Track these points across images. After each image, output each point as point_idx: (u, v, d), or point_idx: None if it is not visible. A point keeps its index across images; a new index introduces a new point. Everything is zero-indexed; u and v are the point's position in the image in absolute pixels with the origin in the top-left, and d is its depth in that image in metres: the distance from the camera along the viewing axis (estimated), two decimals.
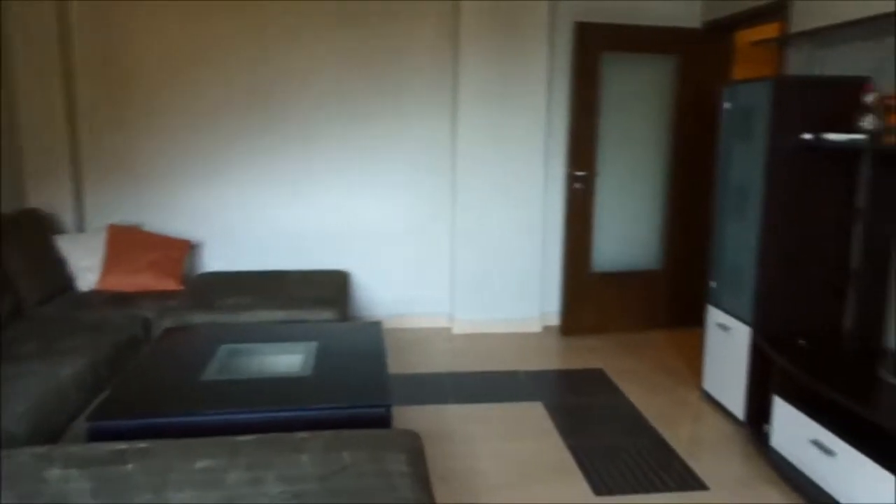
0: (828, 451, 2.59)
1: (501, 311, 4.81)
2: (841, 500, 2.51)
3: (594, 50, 4.54)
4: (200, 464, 1.91)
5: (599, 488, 2.79)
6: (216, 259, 4.66)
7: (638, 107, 4.76)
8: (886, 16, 2.65)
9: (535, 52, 4.52)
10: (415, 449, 2.10)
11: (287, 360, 2.92)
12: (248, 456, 1.95)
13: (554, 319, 4.95)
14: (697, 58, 4.68)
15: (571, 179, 4.66)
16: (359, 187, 4.71)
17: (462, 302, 4.78)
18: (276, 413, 2.40)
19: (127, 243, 4.21)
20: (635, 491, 2.78)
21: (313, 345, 3.07)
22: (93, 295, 3.94)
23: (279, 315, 3.73)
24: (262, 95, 4.53)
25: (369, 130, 4.65)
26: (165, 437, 2.11)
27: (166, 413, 2.40)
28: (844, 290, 3.23)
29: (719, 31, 4.64)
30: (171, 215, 4.59)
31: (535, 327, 4.86)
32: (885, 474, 2.29)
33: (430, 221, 4.81)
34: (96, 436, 2.31)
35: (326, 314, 3.78)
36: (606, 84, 4.64)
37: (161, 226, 4.57)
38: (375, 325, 3.42)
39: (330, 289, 4.14)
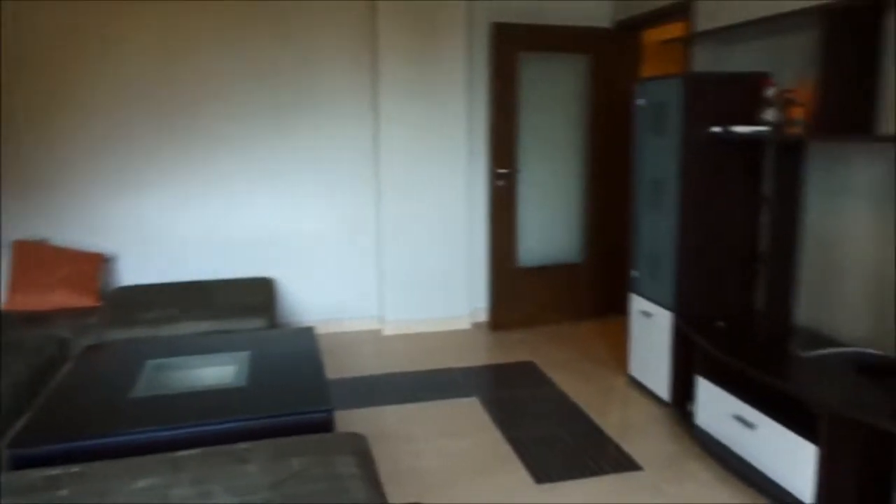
0: (749, 425, 2.75)
1: (431, 310, 4.84)
2: (763, 470, 2.67)
3: (511, 50, 4.64)
4: (141, 483, 1.84)
5: (540, 476, 2.87)
6: (133, 272, 4.47)
7: (556, 104, 4.89)
8: (782, 15, 2.84)
9: (454, 52, 4.57)
10: (362, 451, 2.10)
11: (219, 371, 2.85)
12: (192, 471, 1.90)
13: (483, 316, 5.02)
14: (609, 56, 4.86)
15: (494, 177, 4.75)
16: (281, 192, 4.63)
17: (391, 303, 4.78)
18: (215, 426, 2.33)
19: (34, 260, 3.99)
20: (574, 476, 2.87)
21: (245, 354, 3.01)
22: (1, 316, 3.70)
23: (205, 326, 3.63)
24: (178, 103, 4.37)
25: (289, 134, 4.57)
26: (97, 459, 2.02)
27: (95, 434, 2.30)
28: (755, 273, 3.44)
29: (629, 31, 4.83)
30: (83, 229, 4.36)
31: (465, 324, 4.92)
32: (803, 442, 2.46)
33: (356, 223, 4.78)
34: (19, 463, 2.18)
35: (255, 323, 3.70)
36: (525, 83, 4.75)
37: (72, 240, 4.33)
38: (308, 331, 3.38)
39: (256, 297, 4.06)
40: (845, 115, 2.66)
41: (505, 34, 4.60)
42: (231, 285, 4.28)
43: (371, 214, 4.79)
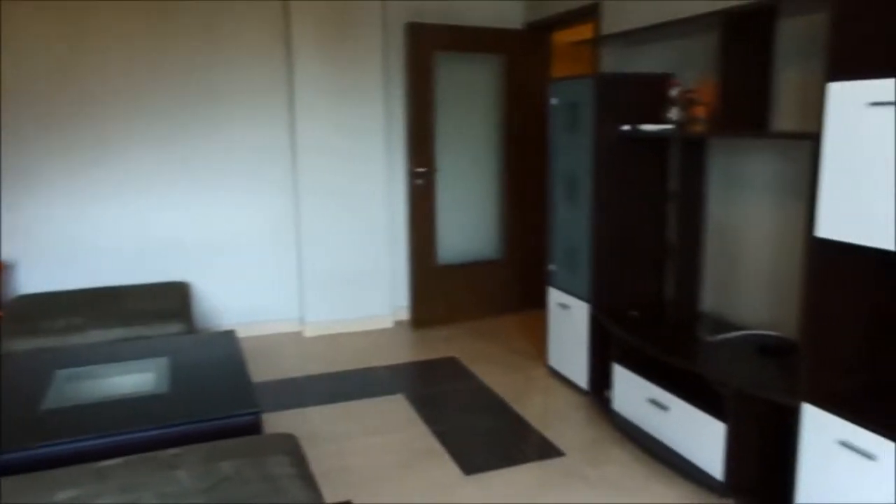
0: (663, 407, 2.91)
1: (353, 310, 4.83)
2: (677, 449, 2.83)
3: (427, 49, 4.69)
4: (63, 495, 1.77)
5: (468, 467, 2.92)
6: (35, 279, 4.23)
7: (472, 103, 4.98)
8: (685, 20, 3.01)
9: (370, 52, 4.57)
10: (295, 450, 2.09)
11: (137, 378, 2.75)
12: (118, 479, 1.83)
13: (405, 314, 5.05)
14: (522, 56, 4.98)
15: (413, 176, 4.78)
16: (196, 194, 4.50)
17: (312, 304, 4.74)
18: (138, 433, 2.26)
19: None
20: (500, 466, 2.95)
21: (164, 360, 2.92)
22: None
23: (117, 333, 3.49)
24: (86, 102, 4.17)
25: (203, 135, 4.45)
26: (10, 475, 1.92)
27: (8, 449, 2.18)
28: (665, 264, 3.62)
29: (540, 32, 4.98)
30: None
31: (387, 323, 4.93)
32: (712, 421, 2.62)
33: (274, 224, 4.70)
34: None
35: (171, 328, 3.59)
36: (441, 82, 4.81)
37: None
38: (229, 334, 3.31)
39: (171, 301, 3.93)
40: (743, 113, 2.84)
41: (420, 34, 4.64)
42: (144, 291, 4.13)
43: (290, 215, 4.72)
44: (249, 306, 4.71)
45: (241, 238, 4.64)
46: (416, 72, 4.68)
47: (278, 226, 4.71)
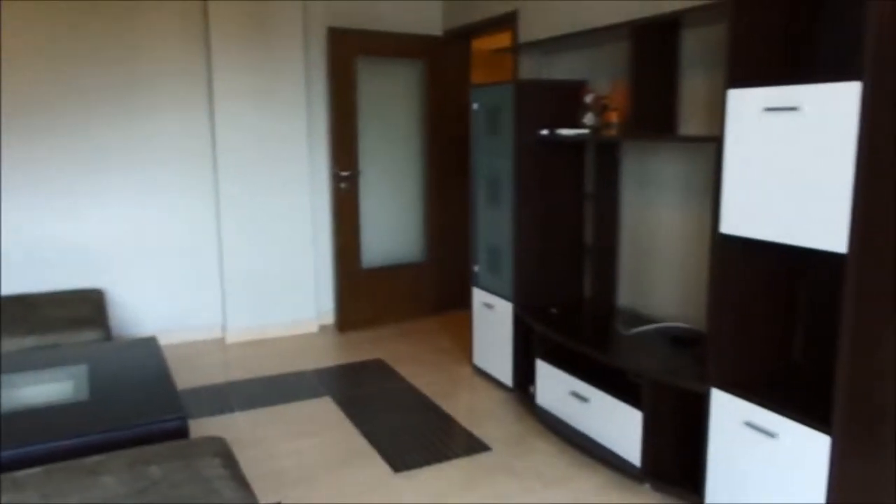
0: (583, 399, 3.04)
1: (276, 315, 4.78)
2: (598, 439, 2.96)
3: (348, 54, 4.71)
4: None
5: (398, 465, 2.96)
6: None
7: (394, 108, 5.03)
8: (597, 30, 3.17)
9: (291, 56, 4.56)
10: (225, 452, 2.07)
11: (54, 387, 2.65)
12: (38, 488, 1.78)
13: (330, 318, 5.04)
14: (442, 62, 5.08)
15: (337, 179, 4.79)
16: (108, 198, 4.35)
17: (234, 310, 4.66)
18: (58, 442, 2.17)
19: None
20: (429, 462, 3.00)
21: (82, 368, 2.83)
22: None
23: (28, 342, 3.34)
24: None
25: (116, 136, 4.31)
26: None
27: None
28: (583, 262, 3.78)
29: (459, 38, 5.08)
30: None
31: (312, 327, 4.90)
32: (630, 410, 2.77)
33: (194, 229, 4.60)
34: None
35: (86, 336, 3.47)
36: (363, 86, 4.84)
37: None
38: (150, 340, 3.23)
39: (85, 309, 3.79)
40: (653, 117, 3.02)
41: (342, 39, 4.66)
42: (54, 298, 3.96)
43: (210, 219, 4.63)
44: (168, 313, 4.59)
45: (159, 243, 4.52)
46: (338, 77, 4.69)
47: (198, 230, 4.61)
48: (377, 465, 2.97)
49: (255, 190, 4.60)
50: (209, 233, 4.64)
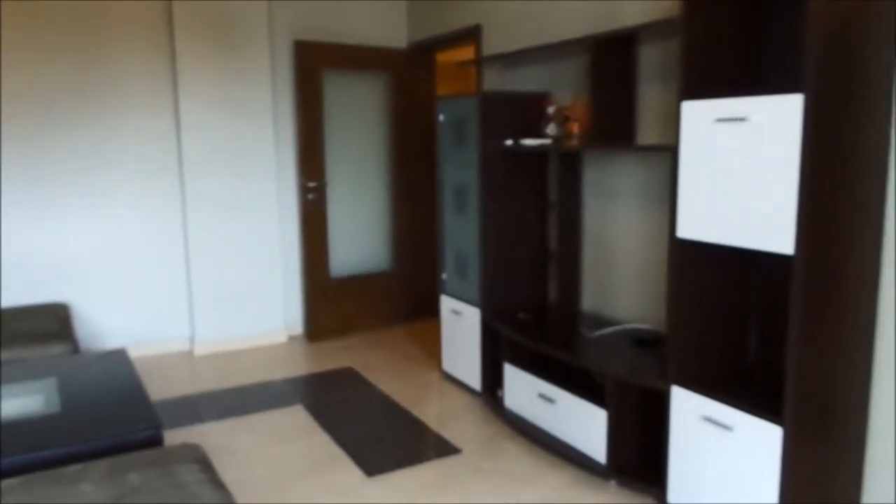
0: (550, 401, 3.13)
1: (245, 326, 4.79)
2: (565, 439, 3.06)
3: (314, 67, 4.77)
4: None
5: (371, 470, 3.02)
6: None
7: (361, 119, 5.10)
8: (558, 44, 3.29)
9: (258, 69, 4.60)
10: (202, 458, 2.11)
11: (23, 401, 2.64)
12: (20, 497, 1.79)
13: (299, 328, 5.06)
14: (407, 75, 5.17)
15: (304, 190, 4.83)
16: (73, 210, 4.32)
17: (203, 322, 4.66)
18: (33, 454, 2.18)
19: None
20: (402, 466, 3.06)
21: (51, 381, 2.83)
22: None
23: None
24: None
25: (80, 147, 4.29)
26: None
27: None
28: (547, 268, 3.89)
29: (423, 52, 5.18)
30: None
31: (281, 338, 4.92)
32: (595, 409, 2.87)
33: (160, 241, 4.59)
34: None
35: (53, 350, 3.45)
36: (329, 98, 4.90)
37: None
38: (120, 352, 3.24)
39: (51, 323, 3.77)
40: (612, 128, 3.14)
41: (308, 52, 4.72)
42: (19, 313, 3.92)
43: (177, 231, 4.62)
44: (135, 326, 4.57)
45: (125, 255, 4.50)
46: (305, 89, 4.74)
47: (165, 242, 4.60)
48: (350, 470, 3.02)
49: (223, 201, 4.62)
50: (176, 244, 4.63)
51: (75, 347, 3.60)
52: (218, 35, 4.45)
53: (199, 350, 4.66)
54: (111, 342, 4.48)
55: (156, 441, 2.40)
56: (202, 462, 2.09)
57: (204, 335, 4.67)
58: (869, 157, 2.19)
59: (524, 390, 3.32)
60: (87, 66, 4.24)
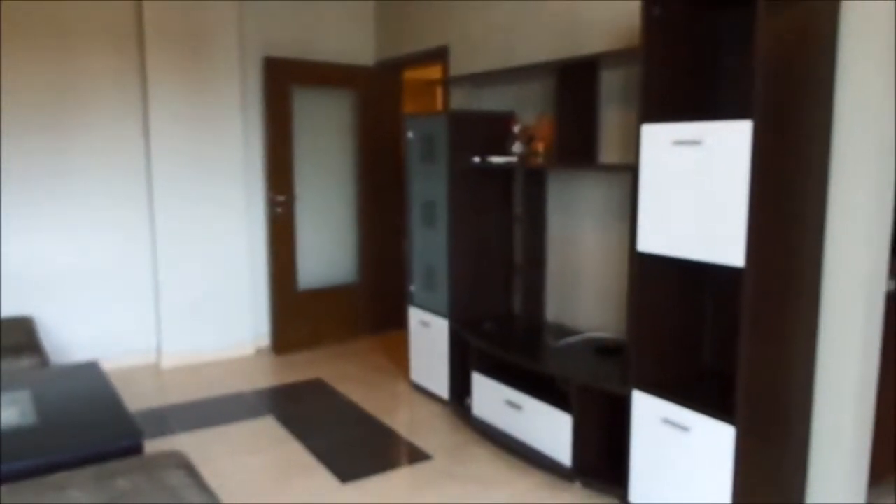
0: (517, 407, 3.27)
1: (212, 338, 4.81)
2: (532, 444, 3.19)
3: (283, 83, 4.85)
4: None
5: (344, 476, 3.10)
6: None
7: (329, 134, 5.19)
8: (525, 67, 3.46)
9: (228, 84, 4.66)
10: (187, 464, 2.17)
11: None
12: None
13: (266, 341, 5.11)
14: (374, 91, 5.29)
15: (273, 204, 4.89)
16: (38, 222, 4.30)
17: (169, 335, 4.67)
18: (15, 465, 2.21)
19: None
20: (375, 472, 3.15)
21: (24, 394, 2.84)
22: None
23: None
24: None
25: (46, 159, 4.28)
26: None
27: None
28: (513, 280, 4.03)
29: (390, 70, 5.31)
30: None
31: (249, 350, 4.96)
32: (560, 414, 3.01)
33: (128, 254, 4.60)
34: None
35: (25, 363, 3.44)
36: (298, 114, 4.98)
37: None
38: (92, 365, 3.26)
39: (18, 336, 3.76)
40: (575, 147, 3.32)
41: (277, 68, 4.81)
42: None
43: (145, 244, 4.64)
44: (101, 339, 4.55)
45: (91, 267, 4.49)
46: (274, 104, 4.82)
47: (132, 254, 4.61)
48: (325, 478, 3.09)
49: (191, 213, 4.65)
50: (143, 256, 4.64)
51: (44, 360, 3.60)
52: (188, 50, 4.51)
53: (166, 363, 4.67)
54: (77, 355, 4.46)
55: (136, 450, 2.44)
56: (187, 468, 2.15)
57: (171, 348, 4.68)
58: (810, 177, 2.40)
59: (492, 398, 3.44)
60: (54, 78, 4.24)
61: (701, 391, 2.60)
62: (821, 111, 2.39)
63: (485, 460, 3.28)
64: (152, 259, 4.65)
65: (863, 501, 2.59)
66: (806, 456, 2.58)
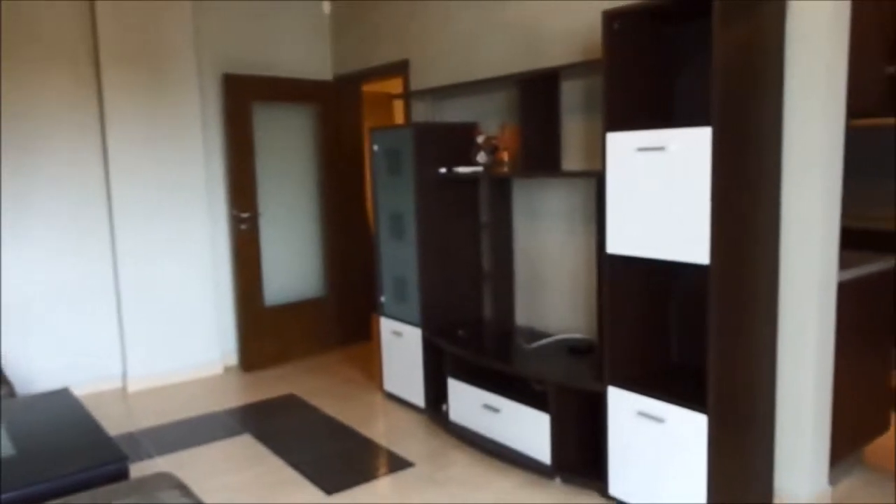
0: (495, 410, 3.35)
1: (179, 359, 4.76)
2: (511, 445, 3.28)
3: (243, 99, 4.85)
4: None
5: (329, 488, 3.13)
6: None
7: (291, 150, 5.21)
8: (489, 80, 3.56)
9: (187, 102, 4.64)
10: (180, 484, 2.18)
11: None
12: None
13: (234, 358, 5.07)
14: (334, 106, 5.33)
15: (236, 221, 4.88)
16: None
17: (135, 358, 4.60)
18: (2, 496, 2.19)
19: None
20: (359, 482, 3.19)
21: None
22: None
23: None
24: None
25: (5, 183, 4.19)
26: None
27: None
28: (482, 287, 4.12)
29: (349, 84, 5.36)
30: None
31: (217, 369, 4.92)
32: (538, 414, 3.10)
33: (90, 278, 4.51)
34: None
35: None
36: (260, 130, 4.99)
37: None
38: (63, 392, 3.21)
39: None
40: (539, 156, 3.43)
41: (236, 84, 4.81)
42: None
43: (107, 268, 4.56)
44: (65, 366, 4.46)
45: (52, 293, 4.40)
46: (235, 122, 4.82)
47: (94, 278, 4.53)
48: (310, 491, 3.12)
49: (154, 234, 4.60)
50: (105, 280, 4.57)
51: (11, 391, 3.52)
52: (145, 69, 4.47)
53: (134, 386, 4.60)
54: (41, 384, 4.36)
55: (122, 475, 2.44)
56: (181, 487, 2.16)
57: (136, 371, 4.61)
58: (766, 177, 2.55)
59: (469, 402, 3.52)
60: (9, 102, 4.16)
61: (672, 384, 2.73)
62: (772, 114, 2.55)
63: (465, 464, 3.35)
64: (114, 282, 4.59)
65: (825, 479, 2.76)
66: (772, 439, 2.73)
